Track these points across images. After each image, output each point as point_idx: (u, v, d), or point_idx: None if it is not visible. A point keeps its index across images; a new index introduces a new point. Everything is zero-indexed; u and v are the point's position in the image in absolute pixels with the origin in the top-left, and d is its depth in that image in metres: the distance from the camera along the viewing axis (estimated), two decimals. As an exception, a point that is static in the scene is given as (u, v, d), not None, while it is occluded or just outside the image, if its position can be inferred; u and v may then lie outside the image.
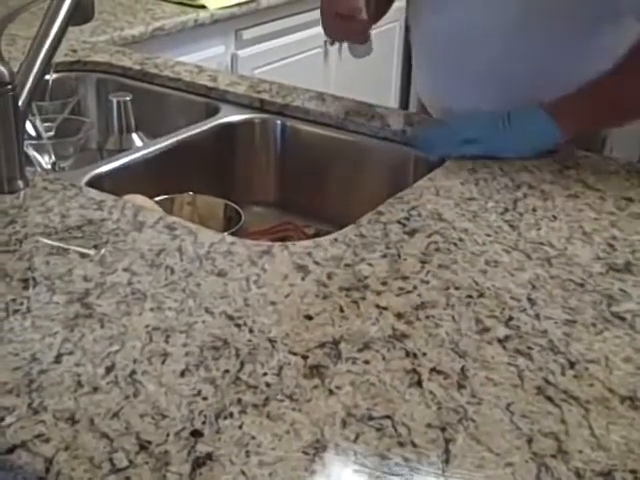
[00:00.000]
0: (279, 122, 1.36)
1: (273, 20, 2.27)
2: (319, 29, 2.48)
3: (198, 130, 1.31)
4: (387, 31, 2.85)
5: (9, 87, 0.98)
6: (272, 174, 1.40)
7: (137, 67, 1.51)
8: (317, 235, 1.36)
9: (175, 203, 1.20)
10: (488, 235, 0.96)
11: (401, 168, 1.28)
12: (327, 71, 2.56)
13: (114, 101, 1.33)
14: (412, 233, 0.96)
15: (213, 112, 1.38)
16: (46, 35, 1.07)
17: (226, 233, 1.09)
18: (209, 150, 1.33)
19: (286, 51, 2.33)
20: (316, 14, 2.45)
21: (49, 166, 1.25)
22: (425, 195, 1.05)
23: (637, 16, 1.15)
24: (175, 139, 1.27)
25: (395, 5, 2.86)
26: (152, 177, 1.23)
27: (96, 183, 1.12)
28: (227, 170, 1.37)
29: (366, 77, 2.70)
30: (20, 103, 1.01)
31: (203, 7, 2.02)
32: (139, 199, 1.12)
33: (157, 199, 1.17)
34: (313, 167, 1.37)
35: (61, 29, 1.09)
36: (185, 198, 1.20)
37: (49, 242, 0.90)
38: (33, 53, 1.06)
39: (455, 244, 0.94)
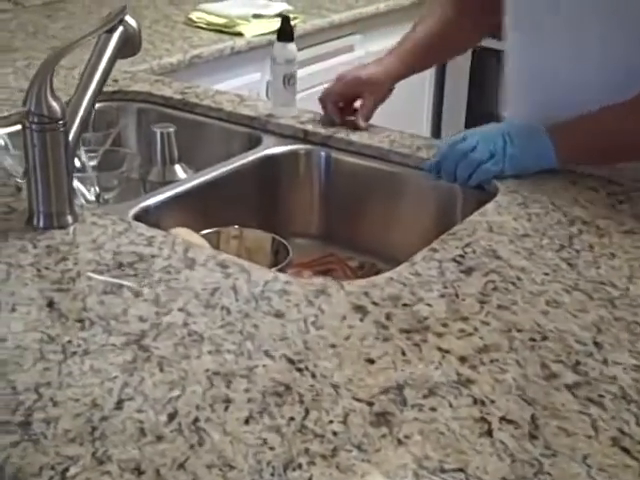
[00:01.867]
0: (323, 153, 1.35)
1: (309, 47, 2.26)
2: (352, 55, 2.50)
3: (242, 162, 1.30)
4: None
5: (61, 123, 0.97)
6: (315, 206, 1.38)
7: (178, 96, 1.51)
8: (361, 267, 1.35)
9: (222, 236, 1.19)
10: (546, 274, 0.94)
11: (447, 201, 1.26)
12: (359, 97, 2.55)
13: (157, 132, 1.32)
14: (468, 272, 0.94)
15: (255, 142, 1.37)
16: (95, 69, 1.07)
17: (274, 269, 1.08)
18: (253, 182, 1.32)
19: (320, 77, 2.32)
20: (349, 40, 2.46)
21: (93, 197, 1.24)
22: (478, 231, 1.03)
23: None
24: (220, 171, 1.26)
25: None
26: (197, 209, 1.23)
27: (143, 216, 1.12)
28: (270, 202, 1.36)
29: (397, 106, 2.68)
30: (70, 138, 1.01)
31: (239, 34, 2.02)
32: (186, 233, 1.11)
33: (203, 232, 1.16)
34: (357, 199, 1.36)
35: (110, 63, 1.08)
36: (231, 231, 1.19)
37: (102, 279, 0.88)
38: (82, 87, 1.06)
39: (513, 283, 0.92)
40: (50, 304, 0.84)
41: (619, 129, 1.15)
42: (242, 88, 2.02)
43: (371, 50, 2.56)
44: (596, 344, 0.81)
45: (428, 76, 2.91)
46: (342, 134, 1.35)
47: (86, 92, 1.05)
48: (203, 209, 1.23)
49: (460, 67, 2.97)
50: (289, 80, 1.38)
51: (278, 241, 1.17)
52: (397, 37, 2.69)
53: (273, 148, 1.35)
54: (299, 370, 0.75)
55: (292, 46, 1.38)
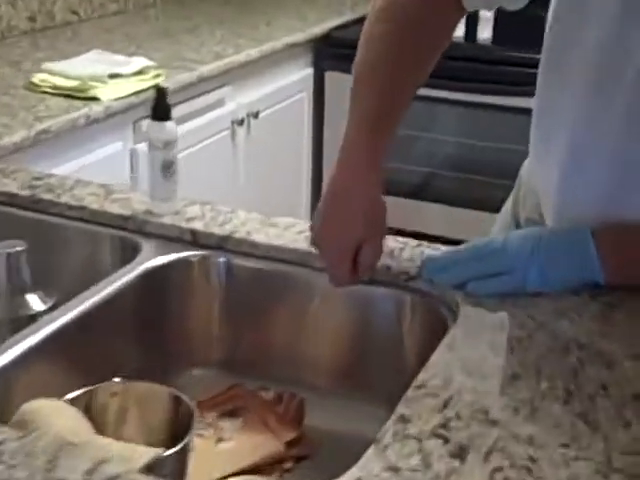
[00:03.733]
0: (222, 260, 1.05)
1: (173, 105, 1.96)
2: (224, 109, 2.22)
3: (118, 283, 0.99)
4: (297, 102, 2.61)
5: None
6: (214, 326, 1.08)
7: (25, 192, 1.18)
8: (279, 399, 1.07)
9: (98, 396, 0.87)
10: (564, 445, 0.68)
11: (389, 310, 1.01)
12: (235, 153, 2.28)
13: (3, 254, 0.98)
14: (461, 455, 0.67)
15: (132, 250, 1.07)
16: None
17: (172, 450, 0.78)
18: (133, 306, 1.02)
19: (192, 137, 2.03)
20: (220, 94, 2.18)
21: None
22: (454, 377, 0.77)
23: None
24: (90, 302, 0.95)
25: (303, 74, 2.63)
26: (63, 360, 0.92)
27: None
28: (157, 328, 1.06)
29: (276, 152, 2.45)
30: None
31: (95, 99, 1.69)
32: (47, 406, 0.80)
33: (70, 396, 0.84)
34: (265, 314, 1.07)
35: None
36: (112, 387, 0.87)
37: None
38: None
39: (527, 468, 0.66)
40: None
41: None
42: (103, 162, 1.71)
43: (243, 102, 2.29)
44: None
45: (306, 115, 2.67)
46: (242, 233, 1.07)
47: None
48: (70, 358, 0.92)
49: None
50: (169, 167, 1.09)
51: (176, 397, 0.86)
52: (270, 85, 2.45)
53: (156, 259, 1.04)
54: None
55: (171, 125, 1.09)
